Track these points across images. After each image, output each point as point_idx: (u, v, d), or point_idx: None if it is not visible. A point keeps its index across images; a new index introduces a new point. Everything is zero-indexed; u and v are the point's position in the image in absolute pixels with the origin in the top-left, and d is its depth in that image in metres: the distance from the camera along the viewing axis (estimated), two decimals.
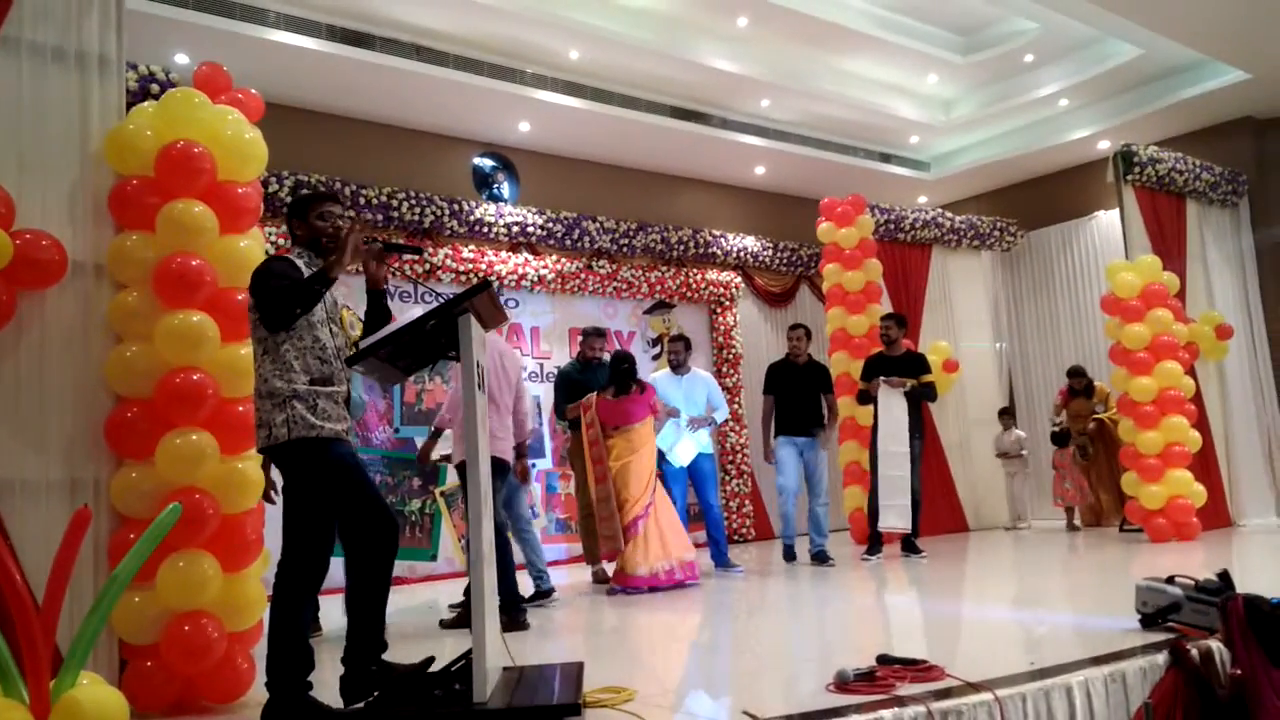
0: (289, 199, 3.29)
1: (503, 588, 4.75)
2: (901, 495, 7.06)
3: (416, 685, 2.90)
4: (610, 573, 6.37)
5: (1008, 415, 9.64)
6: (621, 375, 6.30)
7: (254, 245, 3.59)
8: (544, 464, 8.61)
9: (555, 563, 8.31)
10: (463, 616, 5.00)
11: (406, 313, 3.40)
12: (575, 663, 3.23)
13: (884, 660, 3.24)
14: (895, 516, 7.07)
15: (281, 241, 6.85)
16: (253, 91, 4.23)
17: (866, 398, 7.33)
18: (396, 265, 7.13)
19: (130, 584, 3.28)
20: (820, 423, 7.18)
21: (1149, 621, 3.76)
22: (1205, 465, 7.72)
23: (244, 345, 3.46)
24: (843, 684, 2.99)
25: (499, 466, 5.10)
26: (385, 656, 3.11)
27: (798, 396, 7.12)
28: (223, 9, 6.48)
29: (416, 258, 6.79)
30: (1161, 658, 3.26)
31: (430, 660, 3.01)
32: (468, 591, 5.16)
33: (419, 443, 7.64)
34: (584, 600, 6.07)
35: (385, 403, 7.72)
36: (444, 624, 4.97)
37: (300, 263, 3.17)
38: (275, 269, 3.09)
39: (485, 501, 2.89)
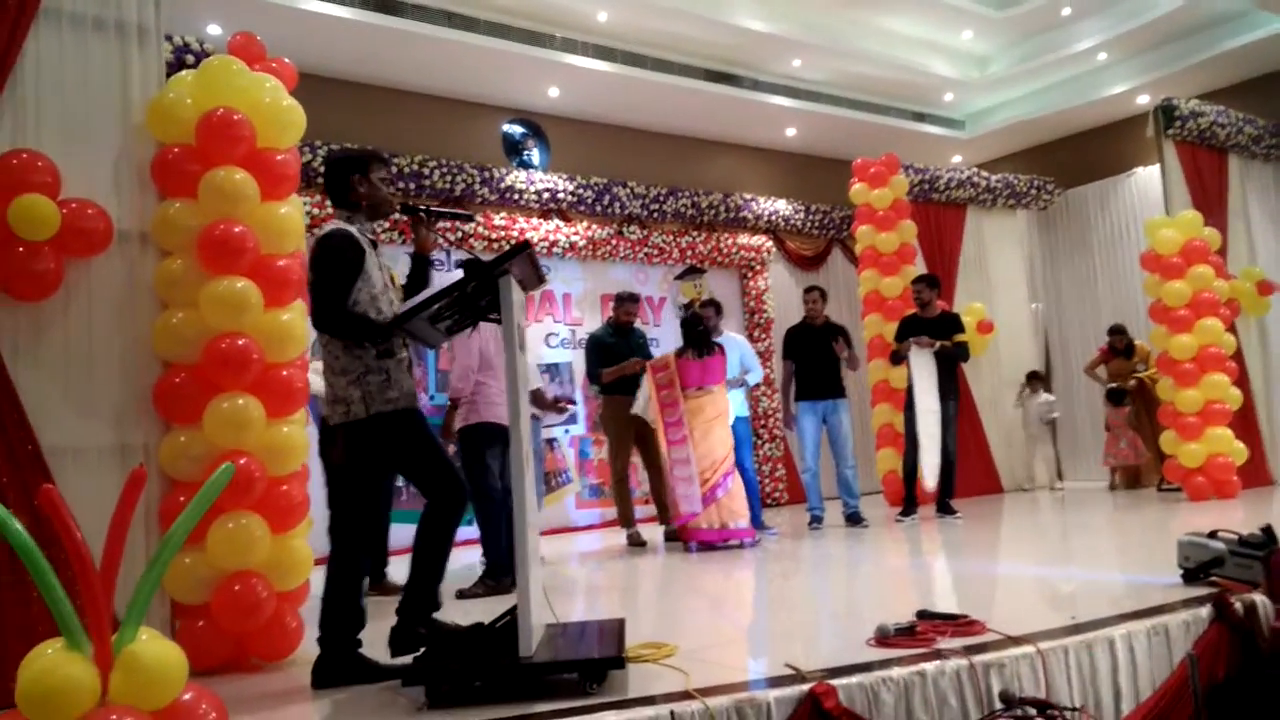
0: (329, 160, 3.22)
1: (508, 551, 4.82)
2: (932, 454, 7.03)
3: (464, 642, 2.96)
4: (650, 535, 6.42)
5: (1036, 379, 9.52)
6: (698, 336, 6.31)
7: (294, 212, 3.63)
8: (577, 429, 8.66)
9: (590, 527, 8.41)
10: (481, 585, 5.02)
11: (437, 279, 3.43)
12: (617, 619, 3.27)
13: (924, 615, 3.26)
14: (927, 475, 7.05)
15: (316, 211, 6.91)
16: (286, 61, 4.26)
17: (899, 358, 7.29)
18: (441, 230, 7.18)
19: (180, 546, 3.39)
20: (840, 386, 7.09)
21: (1191, 576, 3.75)
22: (1245, 423, 7.62)
23: (287, 311, 3.52)
24: (884, 638, 3.02)
25: (501, 432, 5.13)
26: (437, 616, 3.18)
27: (817, 360, 7.05)
28: None
29: (469, 224, 6.77)
30: (1205, 611, 3.25)
31: (479, 625, 3.07)
32: (484, 560, 5.23)
33: None
34: (620, 563, 6.13)
35: (420, 369, 7.80)
36: (461, 594, 4.94)
37: (354, 230, 3.13)
38: (338, 261, 3.03)
39: (528, 461, 2.92)
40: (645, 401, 6.47)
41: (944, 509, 7.19)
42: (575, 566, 6.27)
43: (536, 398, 5.83)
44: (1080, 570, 4.82)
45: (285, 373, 3.50)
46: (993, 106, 10.70)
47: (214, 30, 6.58)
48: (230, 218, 3.38)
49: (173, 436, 3.38)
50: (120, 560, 2.55)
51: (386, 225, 7.30)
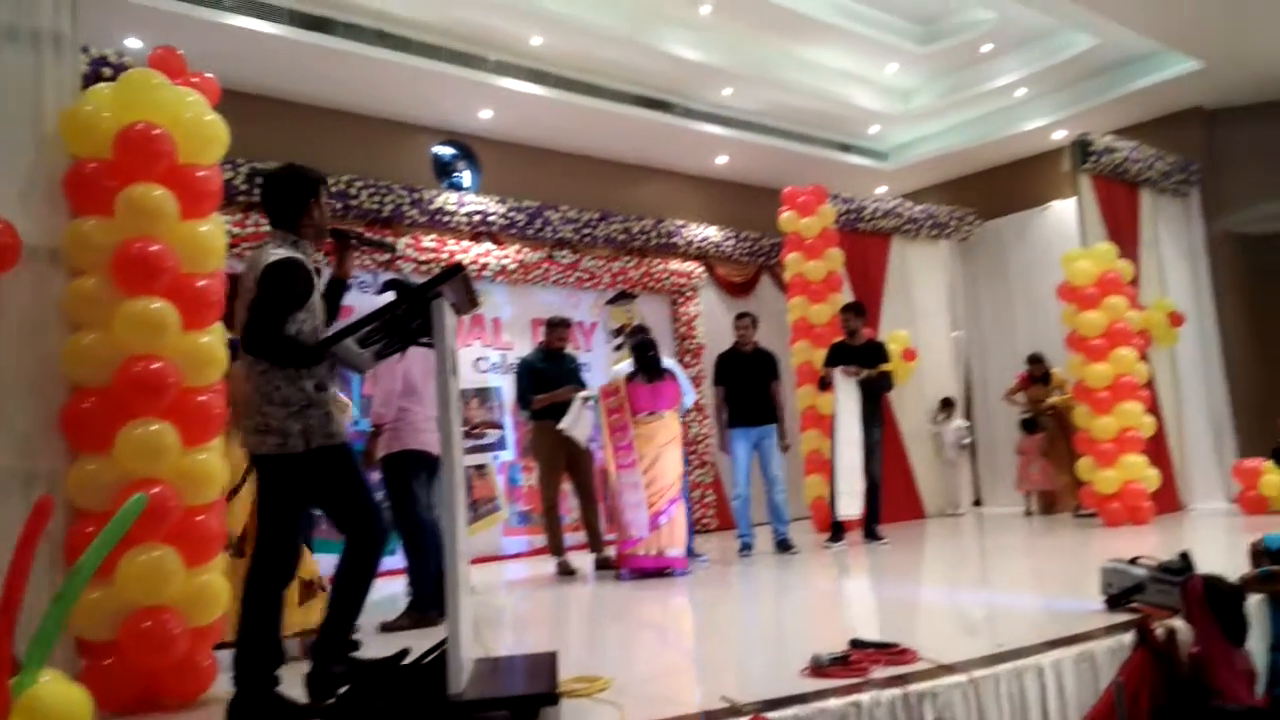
0: (279, 177, 3.10)
1: (435, 583, 4.70)
2: (855, 481, 7.10)
3: (389, 678, 2.86)
4: (580, 560, 6.34)
5: (949, 406, 9.76)
6: (650, 361, 6.28)
7: (215, 230, 3.50)
8: (506, 455, 8.55)
9: (518, 555, 8.29)
10: (406, 617, 4.88)
11: (363, 303, 3.35)
12: (548, 652, 3.20)
13: (857, 644, 3.26)
14: (849, 503, 7.11)
15: (237, 230, 6.72)
16: (209, 76, 4.13)
17: (826, 384, 7.39)
18: (359, 255, 7.02)
19: (88, 580, 3.21)
20: (771, 412, 7.13)
21: (1114, 602, 3.84)
22: (1157, 450, 7.88)
23: (206, 333, 3.38)
24: (818, 668, 3.01)
25: (427, 460, 5.01)
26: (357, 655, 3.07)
27: (747, 386, 7.07)
28: None
29: (389, 255, 6.57)
30: (1128, 637, 3.32)
31: (405, 652, 2.97)
32: (410, 591, 5.05)
33: None
34: (550, 592, 6.04)
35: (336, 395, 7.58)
36: (386, 627, 4.77)
37: (305, 260, 3.03)
38: (294, 290, 2.94)
39: (458, 490, 2.85)
40: (574, 420, 6.41)
41: (871, 535, 7.27)
42: (504, 596, 6.16)
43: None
44: (1004, 596, 4.90)
45: (203, 397, 3.36)
46: (916, 139, 10.97)
47: (133, 43, 6.37)
48: (148, 235, 3.24)
49: (81, 464, 3.21)
50: (22, 596, 2.40)
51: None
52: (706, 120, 9.42)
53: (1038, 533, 7.73)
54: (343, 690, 2.88)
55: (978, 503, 10.50)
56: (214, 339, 3.46)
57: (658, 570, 6.06)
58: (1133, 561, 3.91)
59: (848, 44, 8.98)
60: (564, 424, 6.41)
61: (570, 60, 8.25)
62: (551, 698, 2.65)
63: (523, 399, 6.74)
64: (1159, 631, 3.40)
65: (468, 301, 3.09)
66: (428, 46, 7.49)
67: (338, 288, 3.20)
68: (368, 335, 2.82)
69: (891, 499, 8.45)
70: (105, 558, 2.56)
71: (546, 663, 3.05)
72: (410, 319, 2.81)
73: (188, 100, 3.46)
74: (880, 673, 2.93)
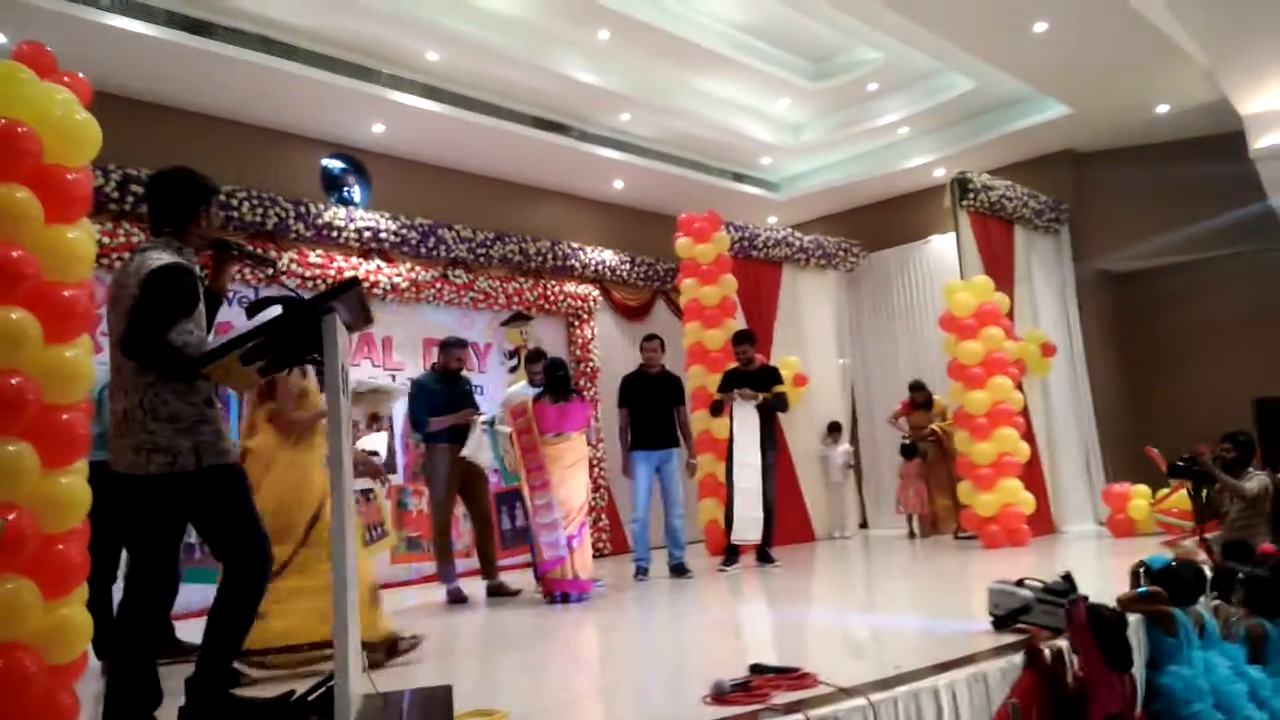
0: (170, 180, 2.97)
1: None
2: (754, 507, 7.15)
3: (270, 717, 2.68)
4: (471, 587, 6.18)
5: (836, 430, 9.99)
6: (559, 381, 6.17)
7: (84, 236, 3.25)
8: (395, 479, 8.27)
9: (406, 583, 8.02)
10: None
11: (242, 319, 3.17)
12: (442, 685, 3.06)
13: (757, 670, 3.24)
14: (747, 529, 7.15)
15: (107, 240, 6.35)
16: (80, 76, 3.88)
17: (719, 409, 7.43)
18: (238, 269, 6.71)
19: None
20: (674, 436, 7.14)
21: (1001, 623, 3.93)
22: (1032, 475, 8.22)
23: (71, 346, 3.13)
24: (720, 695, 2.97)
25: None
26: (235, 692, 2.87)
27: (652, 409, 7.07)
28: None
29: (268, 270, 6.18)
30: (1018, 658, 3.40)
31: (289, 694, 2.79)
32: None
33: None
34: (440, 621, 5.84)
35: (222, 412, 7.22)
36: None
37: (191, 266, 2.90)
38: (185, 297, 2.81)
39: (349, 516, 2.71)
40: (477, 444, 6.29)
41: (763, 558, 7.33)
42: (394, 625, 5.92)
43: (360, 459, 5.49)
44: (894, 618, 4.99)
45: (66, 416, 3.09)
46: (806, 171, 11.26)
47: None
48: (9, 240, 2.99)
49: None
50: None
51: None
52: (603, 144, 9.43)
53: (921, 555, 7.93)
54: None
55: (864, 525, 10.74)
56: (80, 353, 3.20)
57: (579, 594, 5.97)
58: (1018, 583, 4.02)
59: (742, 77, 9.15)
60: (468, 450, 6.28)
61: (467, 78, 8.14)
62: None
63: (417, 422, 6.53)
64: (1046, 653, 3.49)
65: (361, 318, 2.96)
66: (317, 56, 7.27)
67: (213, 301, 3.04)
68: (253, 351, 2.65)
69: (782, 522, 8.54)
70: None
71: (441, 697, 2.93)
72: (298, 334, 2.66)
73: (57, 98, 3.22)
74: (781, 698, 2.91)
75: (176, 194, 2.97)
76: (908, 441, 9.39)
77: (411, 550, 8.27)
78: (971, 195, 8.62)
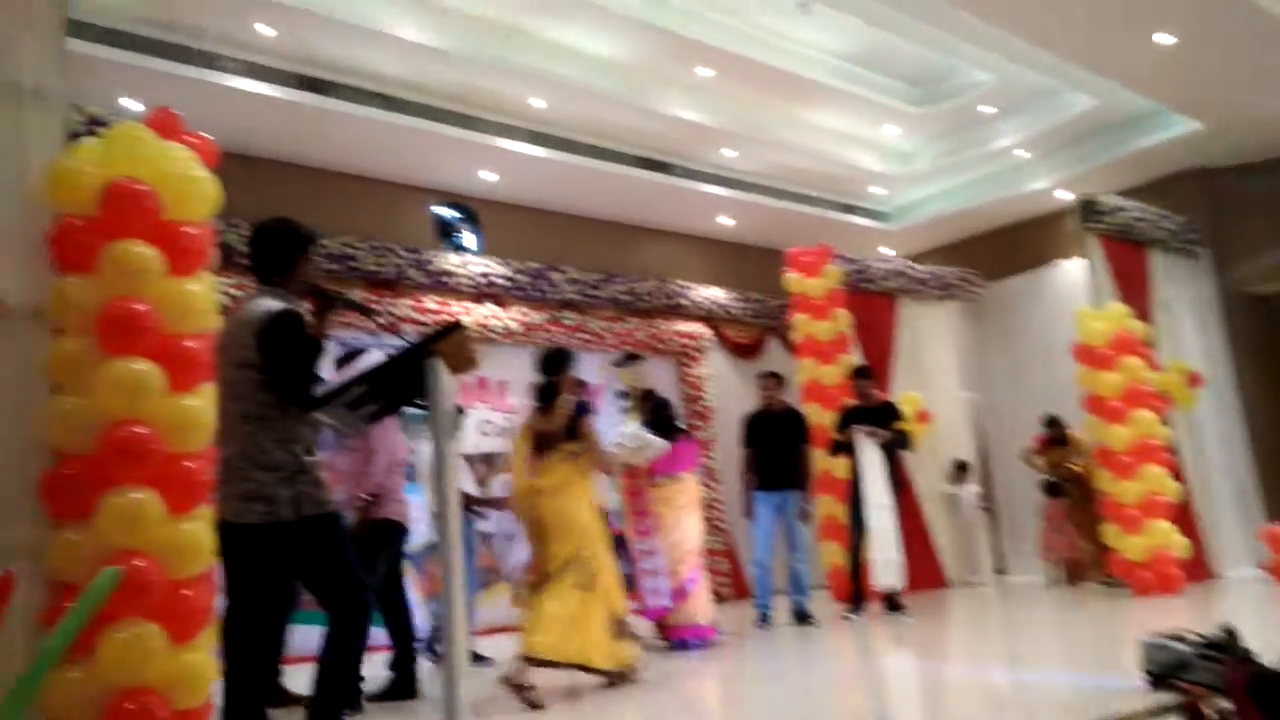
0: (270, 230, 3.05)
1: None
2: (892, 549, 6.82)
3: None
4: None
5: (962, 470, 9.52)
6: (665, 421, 6.05)
7: (204, 289, 3.34)
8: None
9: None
10: (393, 688, 4.66)
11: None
12: None
13: None
14: (889, 573, 6.81)
15: (238, 293, 6.59)
16: (206, 137, 4.04)
17: (840, 448, 7.16)
18: (346, 319, 6.88)
19: (66, 659, 2.99)
20: (797, 476, 6.90)
21: (1157, 681, 3.58)
22: (1184, 517, 7.61)
23: (194, 396, 3.20)
24: None
25: (401, 532, 4.81)
26: None
27: (774, 448, 6.86)
28: (178, 54, 6.31)
29: (366, 318, 6.26)
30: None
31: None
32: (393, 666, 4.78)
33: None
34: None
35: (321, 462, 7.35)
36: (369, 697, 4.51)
37: (299, 310, 2.95)
38: (309, 340, 2.87)
39: (456, 561, 2.64)
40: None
41: (893, 605, 6.97)
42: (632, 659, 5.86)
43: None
44: (1039, 673, 4.64)
45: (190, 464, 3.16)
46: (918, 200, 10.93)
47: (132, 105, 6.31)
48: (132, 294, 3.08)
49: (62, 534, 3.00)
50: None
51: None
52: (708, 181, 9.38)
53: (1065, 604, 7.43)
54: None
55: (1000, 570, 10.20)
56: (203, 402, 3.28)
57: (698, 640, 5.78)
58: (1175, 637, 3.66)
59: (847, 106, 8.98)
60: None
61: (571, 121, 8.23)
62: None
63: None
64: (1210, 714, 3.14)
65: (466, 361, 2.92)
66: (427, 108, 7.48)
67: (314, 348, 3.04)
68: (361, 397, 2.64)
69: (911, 565, 8.17)
70: (75, 637, 2.36)
71: None
72: (403, 379, 2.64)
73: (175, 155, 3.33)
74: None
75: (277, 244, 3.03)
76: (1048, 479, 8.84)
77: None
78: (1099, 217, 8.16)
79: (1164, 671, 3.58)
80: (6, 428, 2.99)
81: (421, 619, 7.45)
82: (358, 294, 7.28)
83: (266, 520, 2.73)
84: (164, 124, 3.72)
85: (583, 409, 4.84)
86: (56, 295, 3.10)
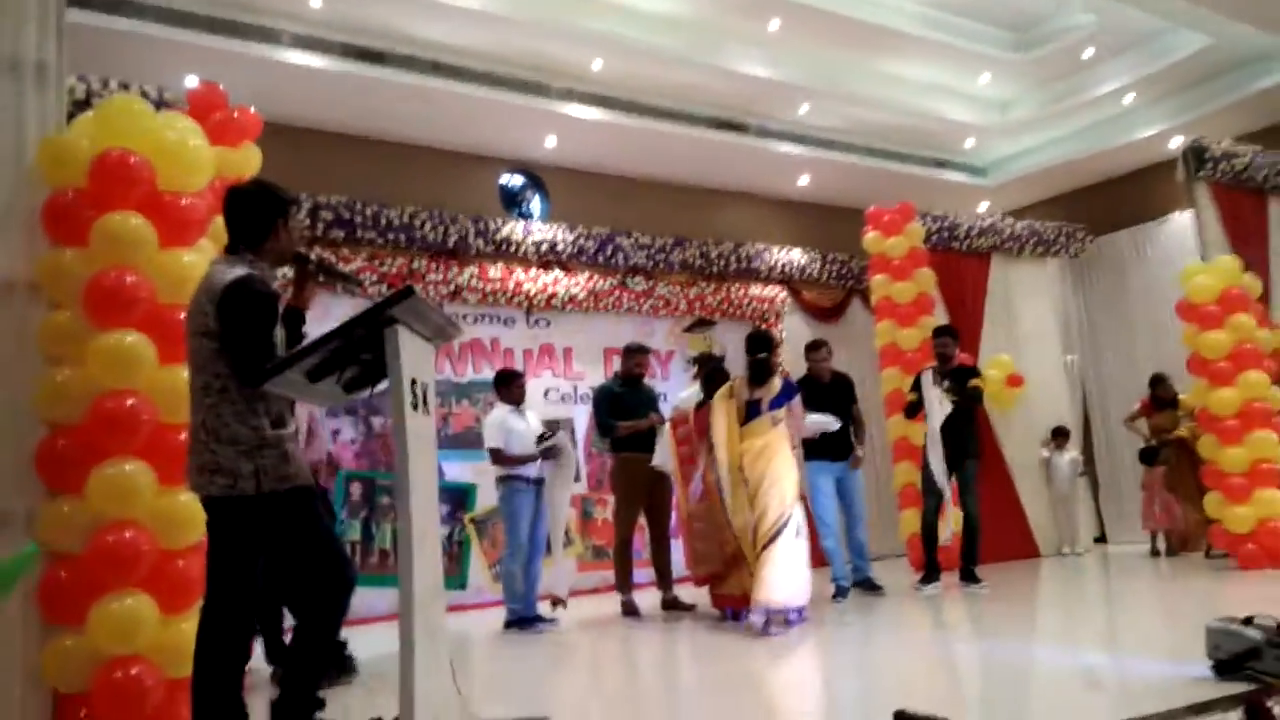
0: (243, 193, 2.87)
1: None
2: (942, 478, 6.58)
3: None
4: (634, 603, 6.13)
5: (1061, 436, 8.94)
6: (759, 364, 5.62)
7: (200, 260, 3.33)
8: (579, 488, 8.24)
9: (584, 592, 7.88)
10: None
11: None
12: (540, 718, 2.85)
13: (902, 717, 2.81)
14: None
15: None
16: (250, 110, 4.07)
17: (915, 410, 6.82)
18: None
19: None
20: (849, 445, 6.63)
21: (1224, 669, 3.24)
22: None
23: (186, 368, 3.20)
24: None
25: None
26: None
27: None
28: (234, 30, 6.37)
29: (355, 289, 6.00)
30: (1236, 716, 2.74)
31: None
32: None
33: (445, 468, 7.44)
34: (604, 631, 5.66)
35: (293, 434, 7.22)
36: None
37: (261, 275, 2.80)
38: (266, 308, 2.70)
39: (421, 541, 2.55)
40: (666, 453, 6.12)
41: (968, 577, 6.62)
42: (575, 636, 5.81)
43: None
44: (1104, 656, 4.29)
45: (182, 435, 3.16)
46: (1018, 152, 10.28)
47: (192, 81, 6.42)
48: (124, 265, 3.10)
49: (55, 505, 3.06)
50: None
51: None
52: (784, 140, 9.01)
53: (1159, 577, 6.92)
54: None
55: (1102, 539, 9.63)
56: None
57: (782, 616, 5.17)
58: (1246, 621, 3.29)
59: (932, 55, 8.44)
60: (658, 459, 6.18)
61: (636, 83, 8.00)
62: None
63: (603, 427, 6.46)
64: (1276, 710, 2.79)
65: (441, 328, 2.80)
66: (486, 75, 7.38)
67: (296, 318, 2.92)
68: (320, 367, 2.54)
69: (1000, 537, 7.79)
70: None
71: None
72: (363, 348, 2.53)
73: (171, 126, 3.32)
74: None
75: (251, 208, 2.84)
76: (1148, 445, 8.24)
77: (598, 559, 8.21)
78: (1210, 165, 7.48)
79: (1231, 659, 3.24)
80: (4, 399, 3.05)
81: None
82: (355, 267, 7.19)
83: (228, 494, 2.66)
84: (207, 99, 3.79)
85: (790, 387, 5.69)
86: (49, 268, 3.15)
